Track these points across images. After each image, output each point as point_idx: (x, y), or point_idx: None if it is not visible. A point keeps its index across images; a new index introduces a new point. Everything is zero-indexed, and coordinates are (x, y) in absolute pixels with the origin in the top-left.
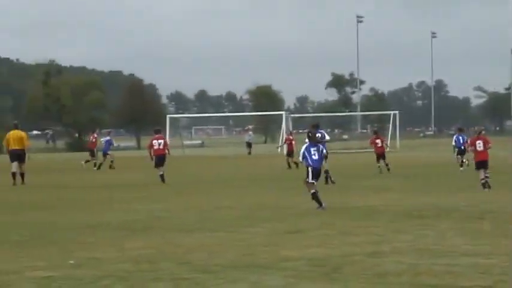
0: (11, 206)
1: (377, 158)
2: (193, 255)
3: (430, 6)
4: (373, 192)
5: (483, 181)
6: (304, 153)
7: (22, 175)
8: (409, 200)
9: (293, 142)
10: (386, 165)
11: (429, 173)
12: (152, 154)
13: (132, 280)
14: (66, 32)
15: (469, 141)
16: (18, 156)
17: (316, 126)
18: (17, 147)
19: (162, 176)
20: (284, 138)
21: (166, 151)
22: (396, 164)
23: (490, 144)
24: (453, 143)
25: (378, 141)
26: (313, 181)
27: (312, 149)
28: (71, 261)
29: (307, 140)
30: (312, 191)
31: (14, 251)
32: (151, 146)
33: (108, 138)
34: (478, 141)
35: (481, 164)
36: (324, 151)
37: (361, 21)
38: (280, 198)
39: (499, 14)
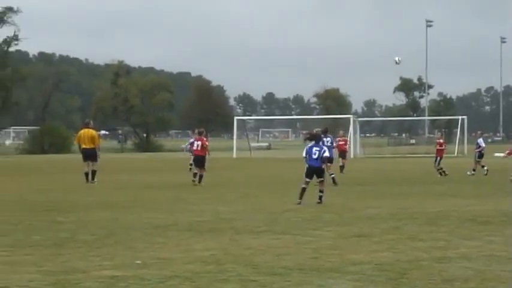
0: (80, 205)
1: (438, 159)
2: (259, 257)
3: (501, 10)
4: (438, 198)
5: None
6: (307, 151)
7: (93, 172)
8: (475, 205)
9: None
10: (440, 168)
11: (495, 178)
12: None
13: (198, 281)
14: (135, 33)
15: (508, 151)
16: (90, 155)
17: (325, 131)
18: (88, 146)
19: (195, 175)
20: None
21: (206, 153)
22: (463, 169)
23: None
24: (483, 145)
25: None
26: (307, 179)
27: (314, 149)
28: (138, 261)
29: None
30: (303, 185)
31: (82, 250)
32: (192, 146)
33: (192, 140)
34: None
35: None
36: (327, 154)
37: (430, 25)
38: (346, 201)
39: None
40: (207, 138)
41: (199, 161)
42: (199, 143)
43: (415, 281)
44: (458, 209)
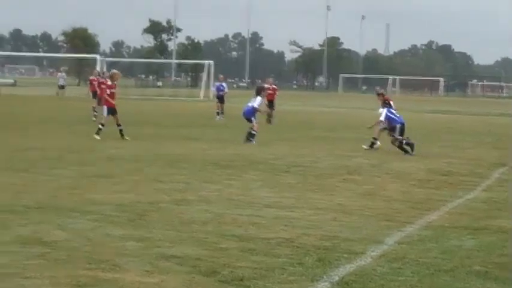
0: None
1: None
2: None
3: None
4: (181, 141)
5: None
6: (387, 115)
7: None
8: (217, 149)
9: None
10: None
11: (236, 123)
12: None
13: None
14: None
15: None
16: None
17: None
18: None
19: None
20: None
21: None
22: (209, 112)
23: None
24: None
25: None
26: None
27: (392, 111)
28: None
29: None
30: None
31: None
32: None
33: None
34: None
35: None
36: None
37: None
38: (88, 141)
39: None
40: None
41: None
42: None
43: (154, 223)
44: (201, 152)
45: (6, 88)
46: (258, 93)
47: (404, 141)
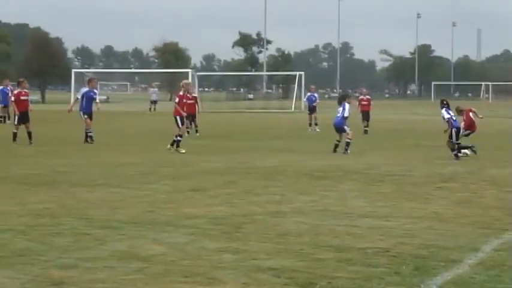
0: None
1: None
2: (94, 210)
3: None
4: (275, 153)
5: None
6: (448, 111)
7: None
8: (312, 160)
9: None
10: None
11: (329, 134)
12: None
13: (31, 234)
14: None
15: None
16: None
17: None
18: None
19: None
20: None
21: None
22: (301, 123)
23: None
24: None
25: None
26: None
27: (450, 112)
28: None
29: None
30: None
31: None
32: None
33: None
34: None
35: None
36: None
37: None
38: (183, 155)
39: None
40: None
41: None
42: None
43: (249, 235)
44: (295, 163)
45: (100, 104)
46: (341, 101)
47: (457, 147)
